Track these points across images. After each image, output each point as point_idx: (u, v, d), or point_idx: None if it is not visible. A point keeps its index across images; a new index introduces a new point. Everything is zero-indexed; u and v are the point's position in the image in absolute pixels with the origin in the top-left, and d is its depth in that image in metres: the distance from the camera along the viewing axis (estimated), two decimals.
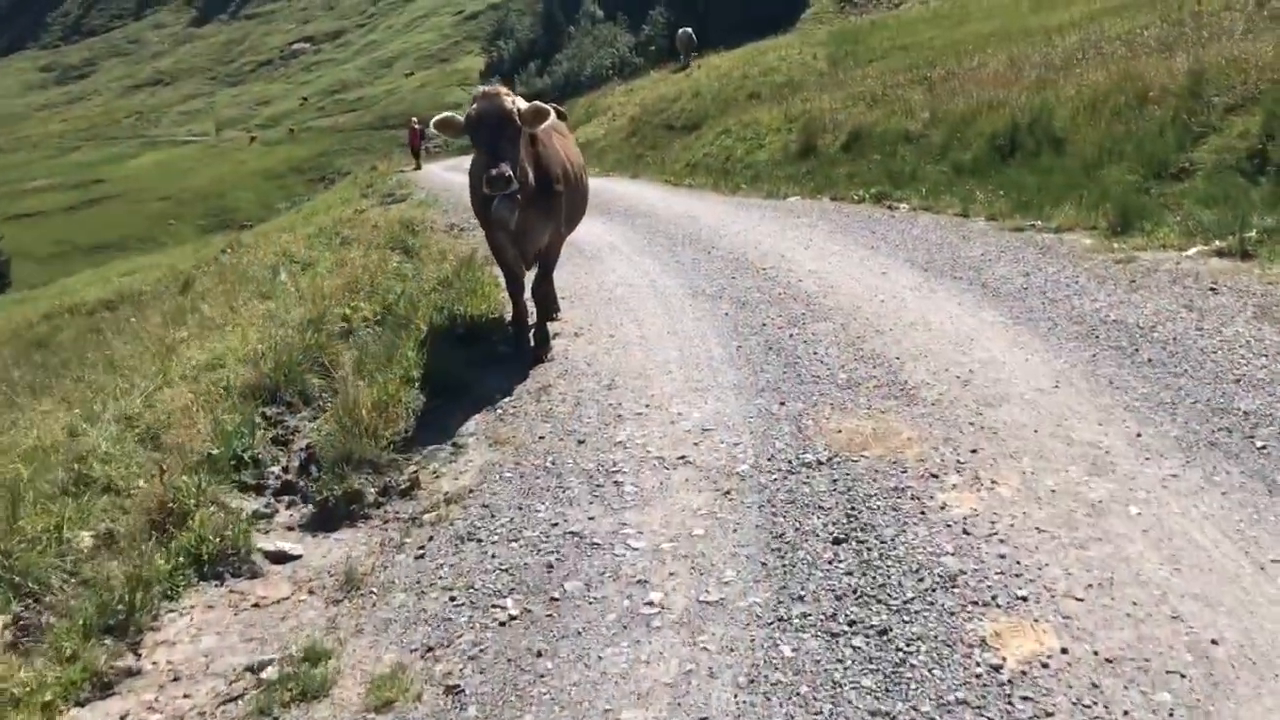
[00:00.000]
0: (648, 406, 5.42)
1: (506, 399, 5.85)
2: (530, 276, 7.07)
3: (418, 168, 32.87)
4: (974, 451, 4.34)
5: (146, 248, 64.57)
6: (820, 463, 4.33)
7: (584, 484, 4.42)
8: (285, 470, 5.26)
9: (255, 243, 18.76)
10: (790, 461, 4.39)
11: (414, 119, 37.47)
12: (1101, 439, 4.41)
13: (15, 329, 18.52)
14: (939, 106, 15.74)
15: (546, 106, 5.86)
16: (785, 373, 5.75)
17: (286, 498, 4.92)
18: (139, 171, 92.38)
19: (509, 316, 7.35)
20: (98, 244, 73.92)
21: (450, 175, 25.10)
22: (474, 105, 5.75)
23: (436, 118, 5.94)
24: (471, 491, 4.50)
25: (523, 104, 5.85)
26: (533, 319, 6.99)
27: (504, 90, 5.80)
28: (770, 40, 35.80)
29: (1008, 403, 4.94)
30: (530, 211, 6.14)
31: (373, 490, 4.61)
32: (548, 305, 7.60)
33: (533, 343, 6.75)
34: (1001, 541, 3.55)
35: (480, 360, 6.55)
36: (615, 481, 4.39)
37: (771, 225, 11.67)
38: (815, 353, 6.09)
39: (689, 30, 37.78)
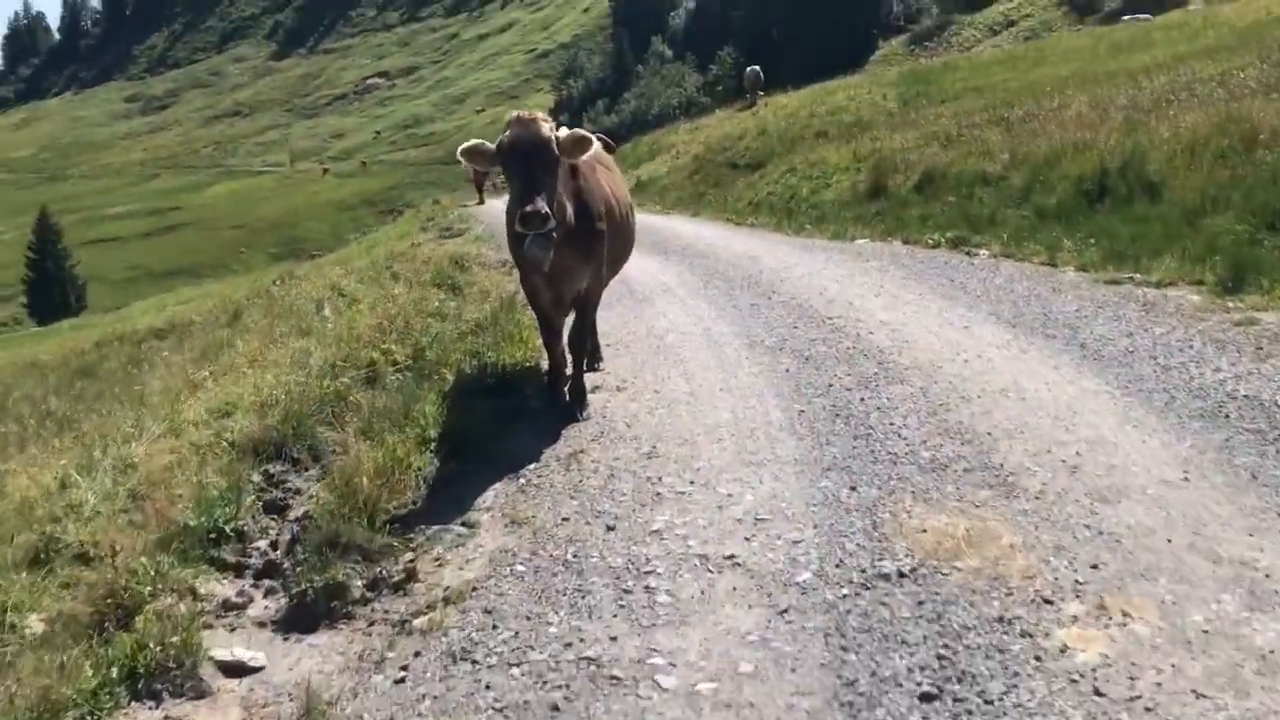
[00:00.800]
0: (692, 483, 4.64)
1: (532, 465, 5.10)
2: (569, 323, 6.35)
3: (481, 202, 32.54)
4: (1094, 568, 3.48)
5: (218, 274, 65.69)
6: (902, 575, 3.49)
7: (609, 587, 3.64)
8: (273, 545, 4.56)
9: (308, 274, 18.42)
10: (864, 571, 3.55)
11: None
12: (1256, 555, 3.52)
13: (66, 355, 18.35)
14: (1019, 148, 14.84)
15: (589, 135, 5.17)
16: (856, 447, 4.93)
17: (267, 582, 4.21)
18: (214, 200, 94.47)
19: (545, 366, 6.64)
20: (171, 270, 75.49)
21: None
22: (507, 132, 5.07)
23: (464, 145, 5.27)
24: (475, 590, 3.74)
25: (562, 132, 5.17)
26: (571, 370, 6.25)
27: (541, 115, 5.12)
28: (839, 80, 35.15)
29: (1128, 498, 4.07)
30: (568, 252, 5.44)
31: (360, 582, 3.88)
32: (587, 354, 6.88)
33: (568, 398, 6.02)
34: (1148, 710, 2.68)
35: (509, 416, 5.83)
36: (647, 586, 3.60)
37: (838, 269, 10.86)
38: (891, 423, 5.26)
39: (757, 68, 37.23)
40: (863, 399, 5.76)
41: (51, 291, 68.97)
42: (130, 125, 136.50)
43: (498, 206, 29.81)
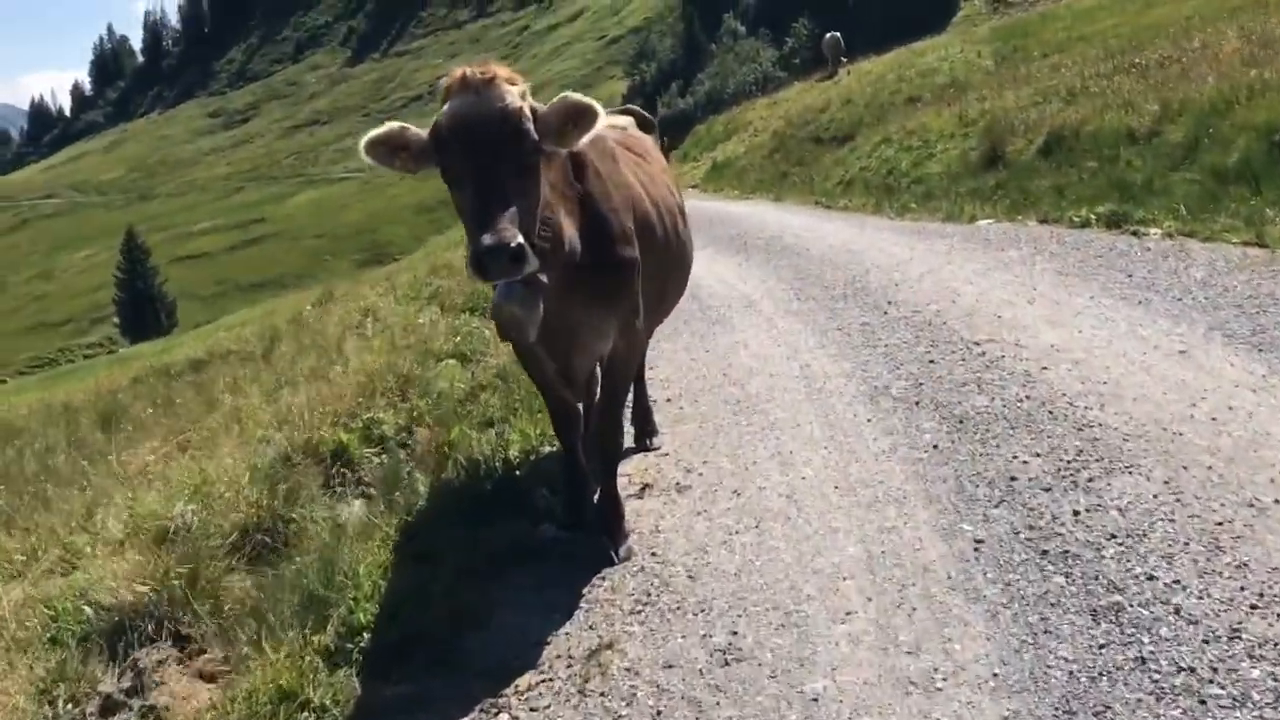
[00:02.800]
0: None
1: (525, 678, 2.97)
2: (596, 400, 4.18)
3: None
4: None
5: (304, 284, 65.40)
6: None
7: None
8: None
9: (348, 294, 16.65)
10: None
11: None
12: None
13: (98, 394, 16.90)
14: (1170, 96, 12.14)
15: (594, 105, 2.98)
16: (1104, 644, 2.67)
17: None
18: (297, 210, 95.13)
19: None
20: (257, 281, 75.95)
21: None
22: (445, 106, 2.94)
23: (372, 134, 3.08)
24: None
25: (538, 104, 3.02)
26: (601, 476, 4.06)
27: (501, 73, 2.97)
28: (925, 41, 32.31)
29: None
30: (576, 300, 3.30)
31: None
32: (634, 433, 4.74)
33: (595, 523, 3.85)
34: None
35: (503, 559, 3.71)
36: None
37: (966, 264, 8.50)
38: (1150, 575, 2.98)
39: (836, 34, 34.49)
40: (1076, 512, 3.49)
41: (142, 311, 69.84)
42: (214, 140, 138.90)
43: None
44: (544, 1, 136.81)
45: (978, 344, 5.84)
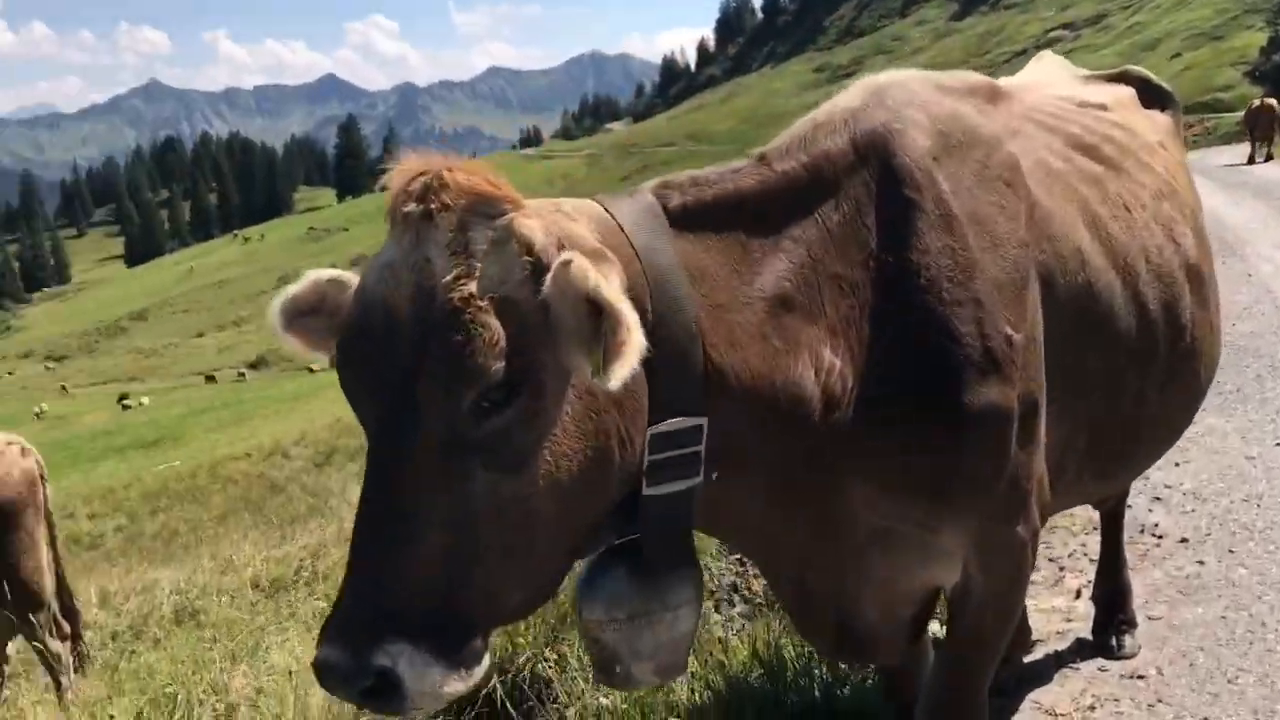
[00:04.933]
0: None
1: None
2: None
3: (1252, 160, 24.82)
4: None
5: None
6: None
7: None
8: None
9: None
10: None
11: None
12: None
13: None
14: None
15: (624, 311, 1.37)
16: None
17: None
18: None
19: None
20: None
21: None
22: (378, 257, 1.50)
23: (286, 296, 1.61)
24: None
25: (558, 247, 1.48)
26: None
27: (471, 182, 1.44)
28: None
29: None
30: (848, 493, 1.87)
31: None
32: (1096, 618, 3.39)
33: None
34: None
35: None
36: None
37: None
38: None
39: None
40: None
41: None
42: (816, 95, 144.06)
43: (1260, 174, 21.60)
44: None
45: None
